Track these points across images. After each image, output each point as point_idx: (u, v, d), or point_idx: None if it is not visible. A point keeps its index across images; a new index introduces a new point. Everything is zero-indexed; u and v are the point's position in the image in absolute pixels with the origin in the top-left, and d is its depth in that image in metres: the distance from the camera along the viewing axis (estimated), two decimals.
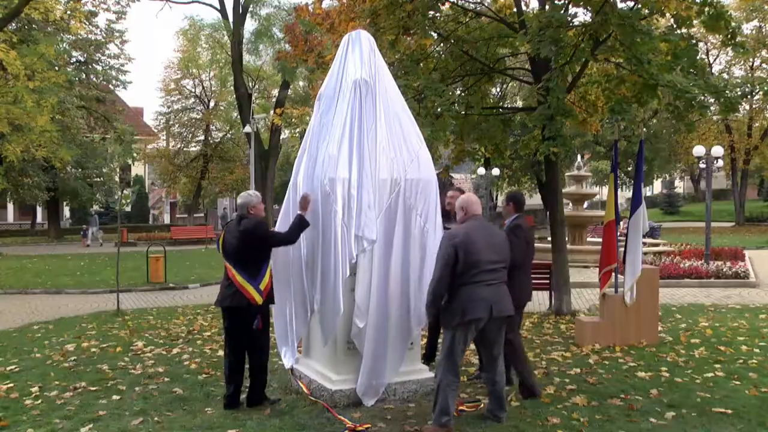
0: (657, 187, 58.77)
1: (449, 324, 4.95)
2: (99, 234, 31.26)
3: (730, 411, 5.35)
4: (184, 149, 44.23)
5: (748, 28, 33.92)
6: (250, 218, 5.52)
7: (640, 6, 8.30)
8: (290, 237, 5.57)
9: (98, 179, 37.02)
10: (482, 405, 5.49)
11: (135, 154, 35.25)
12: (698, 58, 9.44)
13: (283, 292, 5.97)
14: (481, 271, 4.86)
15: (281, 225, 6.01)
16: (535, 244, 6.61)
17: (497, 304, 4.94)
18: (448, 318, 4.92)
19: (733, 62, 35.33)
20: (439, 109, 8.87)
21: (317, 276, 5.69)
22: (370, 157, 5.62)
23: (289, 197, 6.14)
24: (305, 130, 6.94)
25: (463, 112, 10.33)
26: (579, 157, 25.27)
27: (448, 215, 6.31)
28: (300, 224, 5.54)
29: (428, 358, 7.12)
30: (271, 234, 5.68)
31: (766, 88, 25.56)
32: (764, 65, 35.67)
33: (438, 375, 4.99)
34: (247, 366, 5.71)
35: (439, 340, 5.94)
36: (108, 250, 27.09)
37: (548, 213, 11.85)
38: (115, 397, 5.94)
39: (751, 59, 34.47)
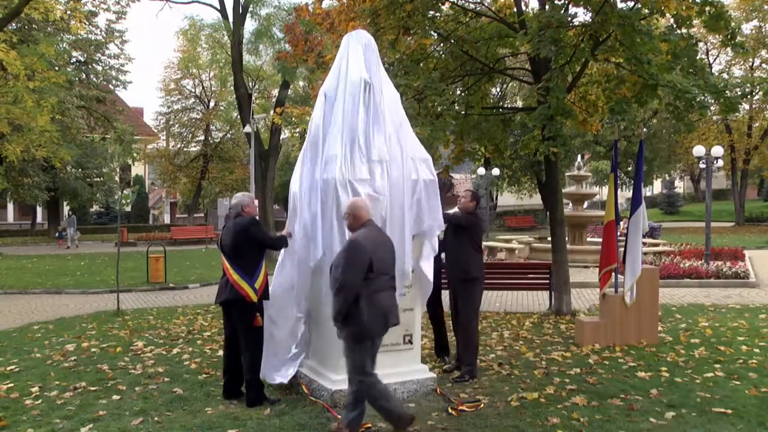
0: (657, 187, 58.72)
1: (368, 334, 4.67)
2: (76, 235, 31.00)
3: (730, 411, 5.35)
4: (184, 149, 44.26)
5: (748, 28, 33.97)
6: (244, 216, 5.82)
7: (640, 6, 8.29)
8: (276, 244, 6.06)
9: (98, 179, 37.05)
10: (482, 405, 5.49)
11: (135, 154, 35.22)
12: (698, 58, 9.44)
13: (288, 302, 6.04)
14: (390, 277, 4.84)
15: (289, 224, 6.26)
16: (535, 245, 6.85)
17: (397, 310, 4.93)
18: (368, 328, 4.64)
19: (733, 62, 35.32)
20: (439, 109, 8.87)
21: (321, 276, 5.72)
22: (373, 157, 5.64)
23: (291, 198, 6.22)
24: (305, 130, 7.00)
25: (463, 112, 10.34)
26: (579, 157, 25.29)
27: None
28: (281, 239, 6.05)
29: (440, 350, 7.15)
30: (261, 233, 5.90)
31: (766, 88, 25.50)
32: (764, 65, 35.66)
33: (364, 396, 4.68)
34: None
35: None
36: (107, 249, 27.09)
37: (548, 213, 11.84)
38: (115, 397, 5.95)
39: (751, 59, 34.47)
